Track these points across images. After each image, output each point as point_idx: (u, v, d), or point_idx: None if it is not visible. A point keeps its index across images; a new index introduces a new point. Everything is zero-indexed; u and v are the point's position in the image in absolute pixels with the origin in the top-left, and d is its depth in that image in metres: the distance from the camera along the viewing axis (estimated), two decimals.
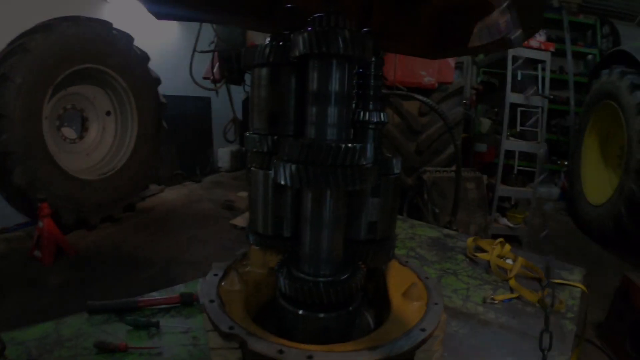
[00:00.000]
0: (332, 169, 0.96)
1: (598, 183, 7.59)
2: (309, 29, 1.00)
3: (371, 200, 1.24)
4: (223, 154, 9.67)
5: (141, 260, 5.02)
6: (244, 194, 7.45)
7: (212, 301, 1.16)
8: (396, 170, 1.27)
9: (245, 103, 6.60)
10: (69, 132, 6.24)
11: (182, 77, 7.88)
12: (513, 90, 6.27)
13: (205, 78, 7.09)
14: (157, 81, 6.73)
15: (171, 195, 7.66)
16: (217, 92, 6.49)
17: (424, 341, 1.06)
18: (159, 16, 1.22)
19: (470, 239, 2.76)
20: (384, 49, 1.42)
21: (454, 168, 5.42)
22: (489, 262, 2.48)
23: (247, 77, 6.53)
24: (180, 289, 1.97)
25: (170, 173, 8.22)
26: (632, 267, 5.82)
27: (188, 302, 1.84)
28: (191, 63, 6.33)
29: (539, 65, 6.55)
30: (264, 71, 1.20)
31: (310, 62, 1.03)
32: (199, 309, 1.81)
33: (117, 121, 6.54)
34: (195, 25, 6.01)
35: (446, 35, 1.37)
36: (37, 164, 5.08)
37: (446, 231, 3.17)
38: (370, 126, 1.23)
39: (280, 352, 0.95)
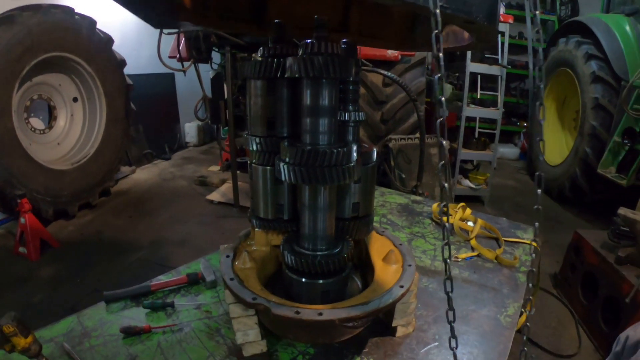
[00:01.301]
0: (327, 169, 1.23)
1: (555, 144, 7.96)
2: (301, 54, 1.25)
3: (354, 186, 1.52)
4: (190, 129, 9.73)
5: (125, 245, 5.11)
6: (215, 168, 7.58)
7: (232, 279, 1.42)
8: (374, 160, 1.55)
9: (214, 81, 6.65)
10: (37, 122, 6.16)
11: (145, 55, 7.76)
12: (473, 60, 6.57)
13: (171, 57, 7.09)
14: (123, 63, 6.68)
15: (143, 175, 7.70)
16: (184, 72, 6.54)
17: (403, 295, 1.36)
18: (159, 26, 1.43)
19: (435, 205, 3.07)
20: (360, 44, 1.67)
21: (418, 135, 5.71)
22: (452, 224, 2.80)
23: (215, 55, 6.58)
24: (184, 269, 2.19)
25: (140, 153, 8.17)
26: (586, 223, 6.27)
27: (194, 281, 2.07)
28: (159, 45, 6.35)
29: (499, 35, 6.83)
30: (259, 83, 1.43)
31: (304, 82, 1.28)
32: (205, 286, 2.04)
33: (84, 107, 6.48)
34: None
35: (416, 35, 1.62)
36: (11, 161, 5.03)
37: (414, 197, 3.47)
38: (351, 124, 1.50)
39: (297, 312, 1.23)
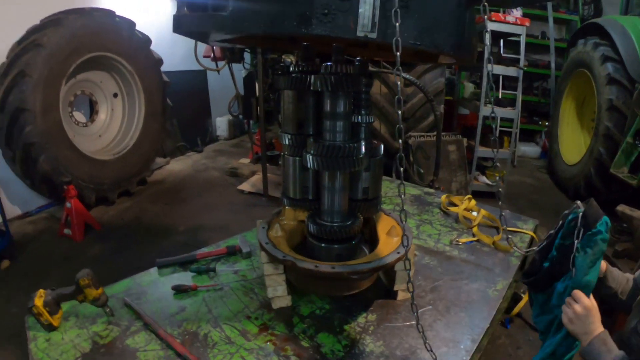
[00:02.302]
0: (341, 159, 1.64)
1: (573, 144, 8.10)
2: (322, 73, 1.65)
3: (364, 174, 1.92)
4: (221, 123, 10.05)
5: (162, 228, 5.49)
6: (245, 160, 7.89)
7: (267, 243, 1.83)
8: (380, 154, 1.95)
9: (246, 79, 7.03)
10: (79, 116, 6.57)
11: (179, 54, 8.17)
12: (495, 61, 6.82)
13: (205, 56, 7.49)
14: (160, 62, 7.04)
15: (177, 166, 8.07)
16: (218, 72, 6.95)
17: (399, 259, 1.75)
18: (212, 44, 1.84)
19: (444, 196, 3.42)
20: (379, 57, 2.07)
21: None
22: (457, 214, 3.16)
23: (247, 56, 6.95)
24: (224, 243, 2.62)
25: (174, 145, 8.52)
26: None
27: (232, 252, 2.49)
28: (196, 46, 6.75)
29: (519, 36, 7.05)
30: (291, 93, 1.85)
31: (325, 94, 1.69)
32: (242, 256, 2.46)
33: (124, 102, 6.90)
34: None
35: (421, 55, 2.00)
36: (59, 151, 5.38)
37: (426, 189, 3.84)
38: (362, 125, 1.90)
39: (316, 266, 1.65)
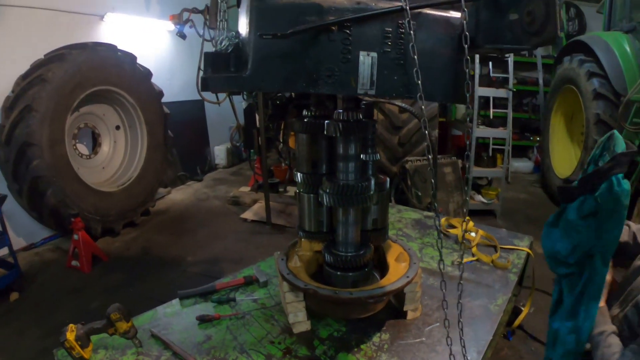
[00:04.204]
0: (355, 196, 1.84)
1: (564, 158, 8.31)
2: (334, 119, 1.86)
3: (373, 207, 2.13)
4: (220, 152, 10.18)
5: (170, 259, 5.57)
6: (245, 188, 8.00)
7: (288, 273, 2.02)
8: (387, 188, 2.15)
9: (247, 111, 7.24)
10: (83, 148, 6.69)
11: (177, 84, 8.36)
12: (485, 82, 7.08)
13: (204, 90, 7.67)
14: (160, 94, 7.18)
15: (179, 195, 8.19)
16: (219, 104, 7.16)
17: (408, 282, 1.94)
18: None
19: (443, 219, 3.61)
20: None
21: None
22: (457, 235, 3.34)
23: None
24: (240, 274, 2.78)
25: (174, 175, 8.60)
26: None
27: (250, 282, 2.65)
28: (197, 81, 6.91)
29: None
30: (305, 136, 2.05)
31: (337, 138, 1.89)
32: (259, 285, 2.63)
33: (126, 134, 7.03)
34: (190, 40, 6.50)
35: None
36: (65, 183, 5.49)
37: (426, 213, 4.03)
38: (370, 162, 2.10)
39: (335, 292, 1.83)
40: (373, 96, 1.57)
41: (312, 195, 2.10)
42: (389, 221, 3.64)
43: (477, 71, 6.88)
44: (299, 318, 2.06)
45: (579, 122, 7.93)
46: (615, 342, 1.62)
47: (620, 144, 1.53)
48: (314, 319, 2.18)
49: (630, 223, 1.91)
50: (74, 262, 5.33)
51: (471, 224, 3.46)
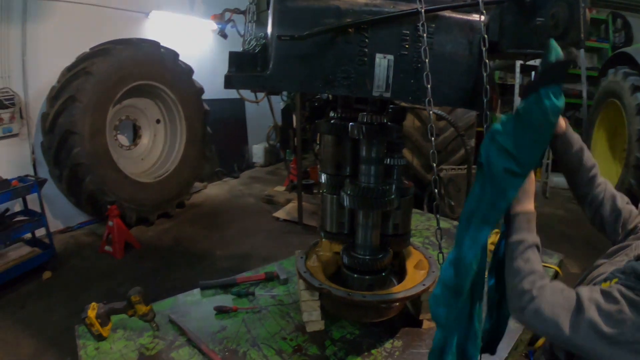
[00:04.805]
0: (374, 200, 1.84)
1: (605, 174, 7.72)
2: (358, 122, 1.87)
3: (395, 212, 2.12)
4: (257, 150, 10.32)
5: (199, 251, 5.68)
6: (280, 188, 8.07)
7: (305, 272, 2.04)
8: (410, 194, 2.15)
9: (284, 111, 7.30)
10: (123, 139, 6.93)
11: (218, 83, 8.55)
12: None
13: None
14: (201, 91, 7.33)
15: (214, 191, 8.32)
16: (257, 103, 7.23)
17: (424, 290, 1.93)
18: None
19: None
20: None
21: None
22: None
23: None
24: (262, 269, 2.81)
25: (211, 170, 8.75)
26: None
27: (270, 278, 2.68)
28: None
29: None
30: (331, 137, 2.07)
31: (360, 141, 1.90)
32: (279, 282, 2.65)
33: (166, 128, 7.21)
34: (232, 39, 6.60)
35: None
36: (104, 172, 5.70)
37: (456, 222, 3.96)
38: (395, 167, 2.10)
39: (349, 294, 1.84)
40: (389, 99, 1.57)
41: (334, 196, 2.11)
42: (418, 229, 3.64)
43: (518, 80, 6.73)
44: (313, 317, 2.07)
45: (622, 137, 7.63)
46: (535, 259, 1.33)
47: (555, 52, 1.34)
48: (328, 320, 2.19)
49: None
50: (107, 248, 5.53)
51: (494, 237, 3.38)
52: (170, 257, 5.57)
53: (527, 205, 1.40)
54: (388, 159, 2.07)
